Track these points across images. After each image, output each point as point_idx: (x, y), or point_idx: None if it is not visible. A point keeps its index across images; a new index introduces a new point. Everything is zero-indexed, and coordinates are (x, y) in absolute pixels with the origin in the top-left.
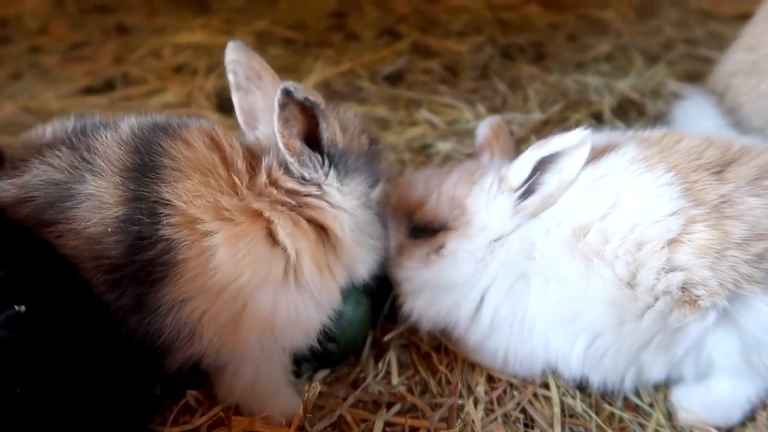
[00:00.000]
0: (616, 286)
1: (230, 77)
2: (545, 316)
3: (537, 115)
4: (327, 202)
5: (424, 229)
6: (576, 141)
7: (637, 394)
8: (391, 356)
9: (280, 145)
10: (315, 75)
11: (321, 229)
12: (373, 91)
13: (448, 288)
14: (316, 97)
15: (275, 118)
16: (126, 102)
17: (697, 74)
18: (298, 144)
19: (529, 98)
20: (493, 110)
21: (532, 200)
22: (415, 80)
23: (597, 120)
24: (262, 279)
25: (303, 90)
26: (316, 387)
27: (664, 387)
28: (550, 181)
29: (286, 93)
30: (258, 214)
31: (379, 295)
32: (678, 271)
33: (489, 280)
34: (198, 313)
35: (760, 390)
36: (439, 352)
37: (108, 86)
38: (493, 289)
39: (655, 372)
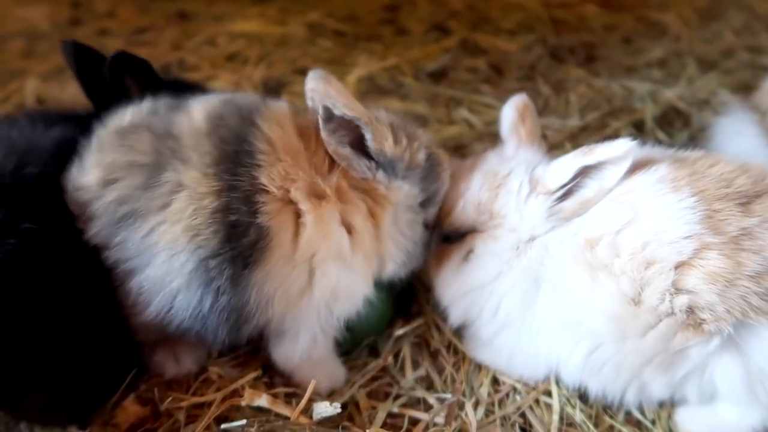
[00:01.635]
0: (618, 300)
1: (309, 103)
2: (551, 320)
3: (575, 121)
4: (376, 192)
5: (452, 234)
6: (621, 152)
7: (641, 410)
8: (405, 351)
9: (330, 152)
10: (359, 69)
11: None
12: (414, 87)
13: (476, 289)
14: (355, 112)
15: (321, 130)
16: None
17: (755, 85)
18: (345, 150)
19: (571, 102)
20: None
21: (569, 204)
22: (458, 78)
23: (638, 129)
24: (334, 255)
25: (342, 107)
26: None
27: (669, 405)
28: (589, 186)
29: (326, 110)
30: (342, 194)
31: (404, 295)
32: (684, 294)
33: (511, 282)
34: (275, 286)
35: (765, 420)
36: (449, 351)
37: (164, 72)
38: (513, 290)
39: (657, 390)
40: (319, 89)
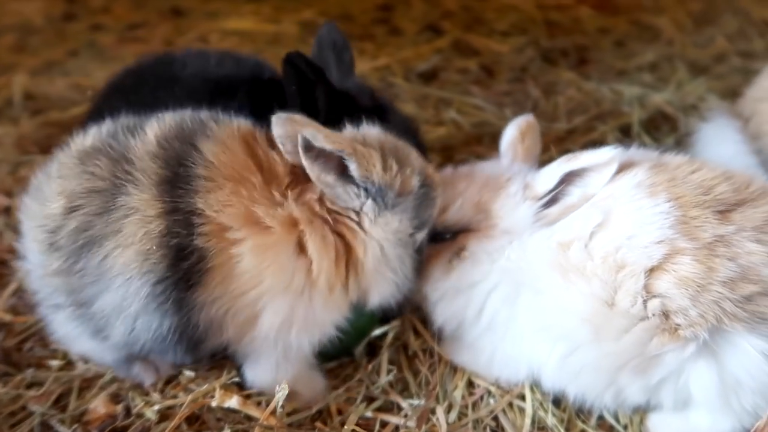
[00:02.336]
0: (591, 303)
1: (281, 147)
2: (530, 322)
3: (562, 125)
4: (360, 227)
5: (443, 233)
6: (604, 159)
7: (615, 415)
8: (381, 355)
9: (313, 180)
10: None
11: (348, 247)
12: (404, 88)
13: (465, 289)
14: (336, 143)
15: (302, 159)
16: None
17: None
18: (329, 178)
19: (559, 106)
20: (520, 115)
21: (554, 209)
22: (448, 79)
23: (625, 133)
24: (282, 287)
25: (323, 139)
26: (286, 388)
27: (641, 411)
28: (573, 193)
29: (305, 140)
30: (294, 224)
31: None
32: (657, 298)
33: (493, 282)
34: (222, 311)
35: (737, 429)
36: (425, 354)
37: None
38: (495, 292)
39: (633, 395)
40: (288, 133)
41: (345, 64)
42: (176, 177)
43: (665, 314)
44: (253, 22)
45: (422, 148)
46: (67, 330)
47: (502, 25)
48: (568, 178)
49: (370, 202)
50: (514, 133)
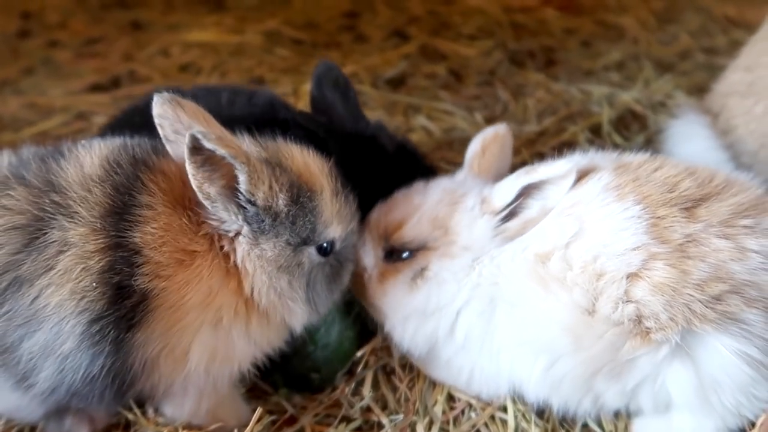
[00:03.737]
0: (572, 311)
1: (159, 130)
2: (510, 337)
3: (532, 127)
4: (239, 253)
5: (401, 250)
6: (562, 171)
7: (599, 422)
8: (366, 374)
9: (194, 188)
10: None
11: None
12: (372, 95)
13: (432, 312)
14: (229, 149)
15: (187, 162)
16: (128, 100)
17: (710, 87)
18: (212, 190)
19: (529, 108)
20: (491, 119)
21: (513, 224)
22: (417, 85)
23: (595, 133)
24: (204, 321)
25: (215, 140)
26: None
27: (626, 417)
28: (532, 206)
29: (195, 139)
30: (207, 255)
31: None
32: (632, 303)
33: (463, 300)
34: (158, 350)
35: (721, 428)
36: (404, 369)
37: (114, 84)
38: (466, 309)
39: (610, 400)
40: (168, 115)
41: (352, 104)
42: (123, 207)
43: (637, 319)
44: (216, 34)
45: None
46: None
47: (469, 28)
48: (526, 191)
49: (246, 228)
50: (476, 146)
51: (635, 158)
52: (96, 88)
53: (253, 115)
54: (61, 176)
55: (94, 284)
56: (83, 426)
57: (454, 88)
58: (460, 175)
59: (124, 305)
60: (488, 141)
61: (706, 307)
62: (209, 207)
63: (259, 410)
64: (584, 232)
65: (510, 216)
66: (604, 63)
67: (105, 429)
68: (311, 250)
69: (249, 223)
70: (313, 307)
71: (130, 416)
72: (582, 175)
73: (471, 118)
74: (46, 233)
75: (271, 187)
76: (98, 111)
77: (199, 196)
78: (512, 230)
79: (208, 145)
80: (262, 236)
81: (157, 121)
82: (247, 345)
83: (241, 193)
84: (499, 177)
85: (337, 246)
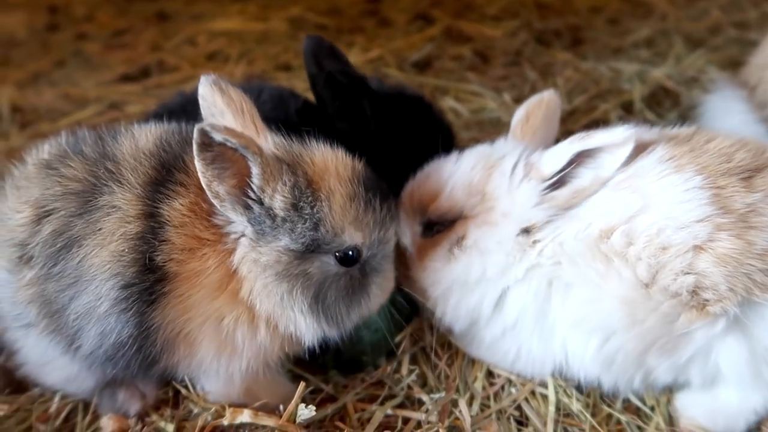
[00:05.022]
0: (632, 286)
1: (201, 109)
2: (565, 318)
3: (563, 105)
4: (237, 255)
5: (439, 223)
6: (619, 139)
7: (640, 397)
8: (406, 354)
9: (204, 186)
10: None
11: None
12: (400, 78)
13: (476, 283)
14: (240, 138)
15: (195, 158)
16: (159, 89)
17: (743, 61)
18: (222, 189)
19: (558, 86)
20: (520, 99)
21: (562, 192)
22: (443, 67)
23: (627, 110)
24: (208, 316)
25: (223, 132)
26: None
27: (668, 391)
28: (584, 175)
29: (203, 134)
30: (211, 245)
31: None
32: (691, 275)
33: (515, 278)
34: (174, 334)
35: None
36: (443, 348)
37: (144, 73)
38: (520, 288)
39: (661, 376)
40: (207, 97)
41: (353, 69)
42: (162, 181)
43: (695, 291)
44: (241, 22)
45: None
46: (39, 351)
47: (493, 9)
48: (579, 159)
49: (249, 229)
50: (520, 113)
51: (681, 131)
52: (126, 78)
53: (263, 113)
54: (116, 149)
55: (126, 249)
56: (135, 401)
57: (480, 69)
58: (500, 141)
59: (148, 278)
60: (533, 107)
61: (766, 276)
62: (218, 206)
63: (302, 385)
64: (646, 205)
65: (559, 184)
66: (633, 40)
67: (155, 405)
68: (326, 259)
69: (252, 225)
70: (325, 321)
71: (184, 392)
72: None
73: (500, 99)
74: (98, 197)
75: (278, 188)
76: (130, 100)
77: (208, 194)
78: (561, 199)
79: (217, 137)
80: (262, 240)
81: (199, 100)
82: (256, 348)
83: (253, 189)
84: (544, 144)
85: (364, 255)
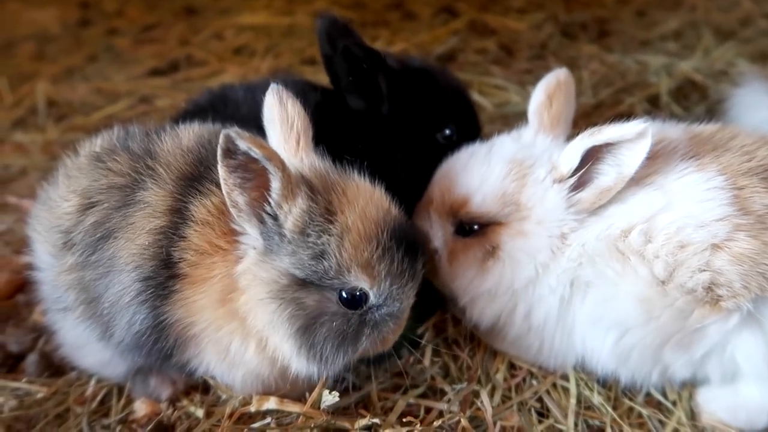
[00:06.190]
0: (648, 284)
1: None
2: (585, 317)
3: (587, 99)
4: (241, 267)
5: (470, 223)
6: (632, 133)
7: (662, 391)
8: (427, 346)
9: (224, 193)
10: None
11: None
12: None
13: (507, 293)
14: (264, 149)
15: (219, 164)
16: (187, 83)
17: None
18: (241, 199)
19: (584, 80)
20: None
21: (587, 193)
22: (467, 60)
23: (653, 104)
24: (210, 324)
25: (248, 141)
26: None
27: (690, 386)
28: (607, 173)
29: (229, 140)
30: (222, 254)
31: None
32: (707, 272)
33: (547, 287)
34: (185, 333)
35: None
36: (465, 340)
37: (173, 68)
38: (551, 296)
39: (678, 371)
40: (269, 106)
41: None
42: (196, 178)
43: (710, 287)
44: (267, 16)
45: (474, 117)
46: (76, 335)
47: (519, 2)
48: (596, 156)
49: (260, 242)
50: (540, 96)
51: (706, 127)
52: (155, 72)
53: None
54: (158, 146)
55: (149, 243)
56: (166, 387)
57: (505, 62)
58: (527, 132)
59: (163, 273)
60: (553, 89)
61: None
62: (235, 215)
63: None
64: (669, 204)
65: (581, 185)
66: (661, 32)
67: (186, 390)
68: (329, 295)
69: (263, 239)
70: (306, 354)
71: (211, 381)
72: (656, 144)
73: (524, 92)
74: (136, 193)
75: (294, 207)
76: (160, 94)
77: (228, 202)
78: (587, 201)
79: (241, 145)
80: (268, 256)
81: (264, 107)
82: (247, 363)
83: (270, 203)
84: (568, 129)
85: (371, 301)
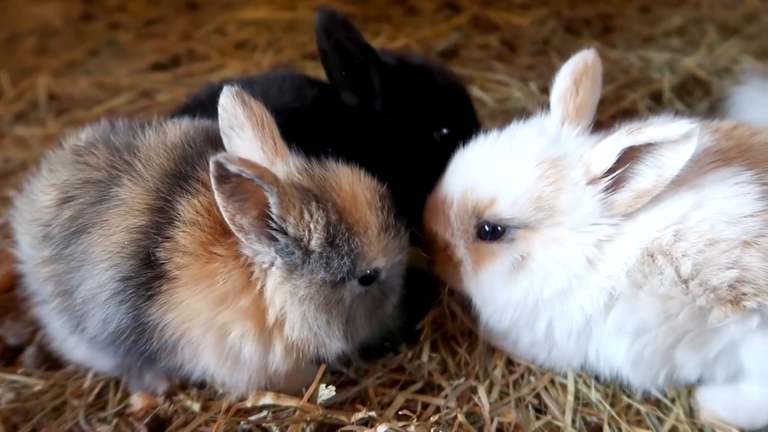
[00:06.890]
0: (672, 283)
1: (219, 120)
2: (608, 328)
3: None
4: (270, 285)
5: (497, 226)
6: (677, 135)
7: (662, 389)
8: (422, 341)
9: (227, 220)
10: None
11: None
12: None
13: (533, 305)
14: (255, 168)
15: (215, 193)
16: (189, 78)
17: None
18: (245, 221)
19: None
20: (547, 89)
21: (623, 196)
22: (470, 56)
23: (656, 100)
24: (210, 328)
25: (238, 163)
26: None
27: (689, 384)
28: (645, 174)
29: (219, 166)
30: (222, 261)
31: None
32: (735, 269)
33: (579, 307)
34: (175, 338)
35: None
36: (463, 336)
37: (174, 62)
38: (580, 316)
39: (688, 372)
40: (228, 108)
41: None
42: (181, 175)
43: (734, 285)
44: (268, 11)
45: (473, 117)
46: (55, 328)
47: None
48: (635, 156)
49: (279, 260)
50: (566, 81)
51: (723, 124)
52: (157, 67)
53: (284, 103)
54: (141, 140)
55: (127, 242)
56: (162, 382)
57: (507, 58)
58: (550, 122)
59: (145, 273)
60: (579, 73)
61: None
62: (243, 240)
63: (322, 366)
64: (699, 201)
65: (617, 186)
66: (664, 28)
67: (182, 385)
68: (352, 283)
69: (281, 256)
70: (350, 340)
71: (207, 378)
72: None
73: (526, 88)
74: (111, 189)
75: (302, 216)
76: (161, 89)
77: (232, 228)
78: (623, 204)
79: (232, 169)
80: (296, 272)
81: (219, 110)
82: (264, 366)
83: (273, 219)
84: (592, 118)
85: (382, 276)
